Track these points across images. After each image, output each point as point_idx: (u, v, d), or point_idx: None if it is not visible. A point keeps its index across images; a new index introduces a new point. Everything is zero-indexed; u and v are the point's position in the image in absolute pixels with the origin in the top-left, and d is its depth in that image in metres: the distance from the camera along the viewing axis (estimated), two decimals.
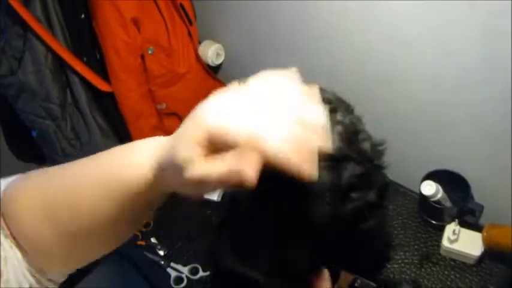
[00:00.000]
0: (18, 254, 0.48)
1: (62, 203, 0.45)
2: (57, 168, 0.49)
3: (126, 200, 0.43)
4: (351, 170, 0.52)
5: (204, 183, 0.36)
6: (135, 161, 0.43)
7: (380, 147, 0.57)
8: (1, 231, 0.47)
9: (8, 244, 0.47)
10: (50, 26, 1.12)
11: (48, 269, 0.51)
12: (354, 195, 0.53)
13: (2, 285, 0.45)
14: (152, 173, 0.41)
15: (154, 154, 0.41)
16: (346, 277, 0.86)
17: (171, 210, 1.15)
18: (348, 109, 0.65)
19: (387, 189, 0.58)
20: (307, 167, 0.34)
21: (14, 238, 0.47)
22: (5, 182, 0.50)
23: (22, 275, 0.48)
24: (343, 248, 0.55)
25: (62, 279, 0.54)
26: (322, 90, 0.69)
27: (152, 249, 1.07)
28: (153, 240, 1.08)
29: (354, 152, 0.52)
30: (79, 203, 0.45)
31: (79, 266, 0.52)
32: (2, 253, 0.46)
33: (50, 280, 0.52)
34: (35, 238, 0.47)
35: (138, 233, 1.10)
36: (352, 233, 0.55)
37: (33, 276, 0.49)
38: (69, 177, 0.47)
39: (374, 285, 0.86)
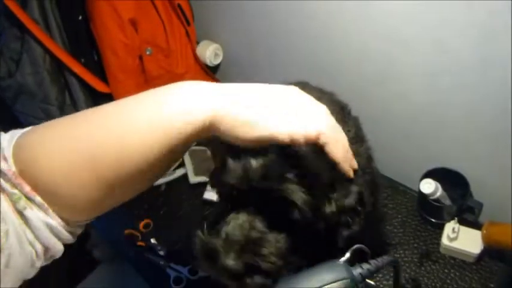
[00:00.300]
0: (36, 214, 0.46)
1: (107, 147, 0.46)
2: (85, 115, 0.49)
3: (179, 141, 0.47)
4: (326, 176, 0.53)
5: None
6: (188, 109, 0.47)
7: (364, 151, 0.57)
8: (2, 198, 0.45)
9: (12, 214, 0.45)
10: (48, 28, 1.12)
11: (72, 219, 0.50)
12: (331, 198, 0.53)
13: (3, 260, 0.44)
14: (208, 121, 0.47)
15: (211, 103, 0.47)
16: None
17: (171, 211, 1.15)
18: (344, 110, 0.65)
19: (363, 195, 0.57)
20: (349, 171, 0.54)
21: (31, 196, 0.46)
22: (12, 135, 0.49)
23: (30, 240, 0.47)
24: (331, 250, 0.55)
25: (82, 229, 0.54)
26: (321, 91, 0.70)
27: (152, 250, 1.07)
28: (152, 241, 1.08)
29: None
30: (127, 147, 0.46)
31: (106, 211, 0.52)
32: (2, 227, 0.44)
33: (70, 232, 0.51)
34: (68, 188, 0.46)
35: (138, 234, 1.10)
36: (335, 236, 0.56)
37: (54, 232, 0.49)
38: (111, 123, 0.47)
39: (373, 284, 0.86)
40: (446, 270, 0.93)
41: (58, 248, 0.51)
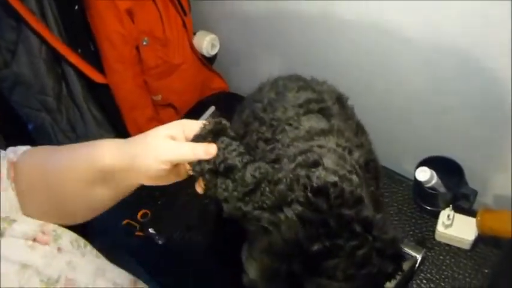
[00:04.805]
0: None
1: (54, 177, 0.60)
2: (52, 152, 0.63)
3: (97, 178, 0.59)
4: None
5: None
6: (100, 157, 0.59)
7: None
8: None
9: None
10: (44, 18, 1.11)
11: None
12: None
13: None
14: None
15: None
16: None
17: (169, 201, 1.15)
18: (342, 99, 0.66)
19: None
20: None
21: None
22: (14, 151, 0.63)
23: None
24: None
25: None
26: (317, 83, 0.70)
27: (150, 239, 1.08)
28: (151, 230, 1.09)
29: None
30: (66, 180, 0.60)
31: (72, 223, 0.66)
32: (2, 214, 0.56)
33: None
34: (35, 202, 0.60)
35: (136, 225, 1.10)
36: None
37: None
38: (58, 161, 0.61)
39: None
40: (441, 257, 0.94)
41: None
